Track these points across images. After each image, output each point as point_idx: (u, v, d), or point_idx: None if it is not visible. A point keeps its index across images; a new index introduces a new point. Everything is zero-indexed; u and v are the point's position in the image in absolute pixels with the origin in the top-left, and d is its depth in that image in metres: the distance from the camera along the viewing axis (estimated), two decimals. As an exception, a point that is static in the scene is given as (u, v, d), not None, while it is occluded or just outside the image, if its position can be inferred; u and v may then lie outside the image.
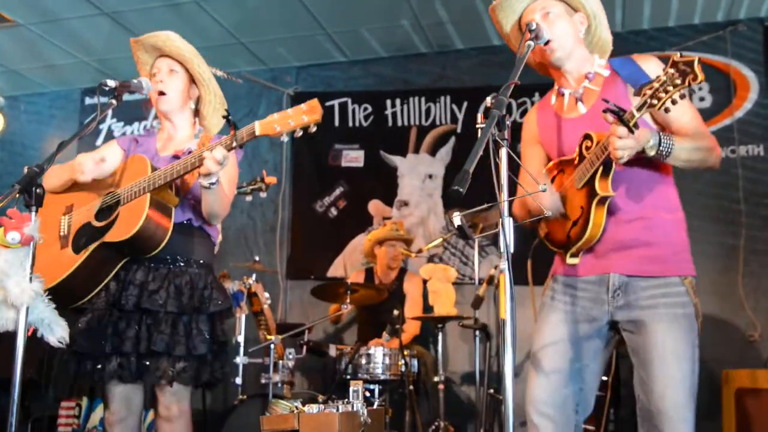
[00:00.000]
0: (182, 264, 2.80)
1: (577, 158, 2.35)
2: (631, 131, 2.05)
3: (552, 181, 2.50)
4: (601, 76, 2.44)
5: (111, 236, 2.63)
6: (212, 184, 2.56)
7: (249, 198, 4.61)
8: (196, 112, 3.02)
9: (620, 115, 2.05)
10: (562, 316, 2.41)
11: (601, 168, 2.22)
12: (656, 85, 1.96)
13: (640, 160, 2.25)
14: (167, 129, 2.99)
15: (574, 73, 2.49)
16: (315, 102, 2.37)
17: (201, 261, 2.86)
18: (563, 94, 2.52)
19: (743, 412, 4.46)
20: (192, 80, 2.96)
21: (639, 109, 2.02)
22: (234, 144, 2.45)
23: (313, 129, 2.39)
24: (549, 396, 2.33)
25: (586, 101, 2.45)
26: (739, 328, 5.16)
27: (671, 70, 1.92)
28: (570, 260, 2.42)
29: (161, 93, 2.87)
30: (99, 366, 2.68)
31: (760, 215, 5.29)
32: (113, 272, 2.73)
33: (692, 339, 2.24)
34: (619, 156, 2.10)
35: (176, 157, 2.82)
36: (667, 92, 1.94)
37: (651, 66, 2.34)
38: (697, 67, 1.88)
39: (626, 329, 2.33)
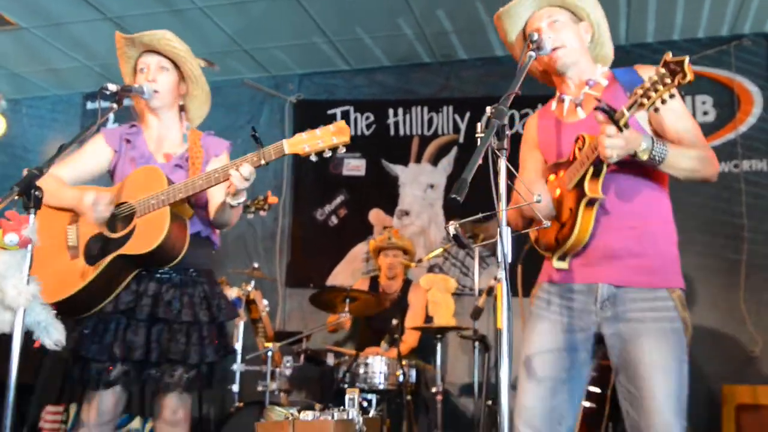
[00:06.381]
0: (194, 274, 2.83)
1: (572, 159, 2.33)
2: (620, 130, 2.03)
3: (546, 182, 2.48)
4: (600, 84, 2.44)
5: (130, 249, 2.63)
6: (240, 203, 2.61)
7: (250, 216, 4.77)
8: (182, 107, 3.02)
9: (611, 114, 2.02)
10: (549, 326, 2.37)
11: (591, 169, 2.19)
12: (647, 84, 1.94)
13: (633, 165, 2.23)
14: (154, 127, 2.96)
15: (576, 80, 2.49)
16: (343, 124, 2.45)
17: (208, 270, 2.91)
18: (563, 100, 2.52)
19: (743, 429, 4.43)
20: (181, 77, 2.96)
21: (629, 107, 2.00)
22: (261, 162, 2.49)
23: (343, 150, 2.47)
24: (536, 406, 2.31)
25: (586, 107, 2.44)
26: (740, 343, 5.11)
27: (662, 70, 1.90)
28: (557, 264, 2.37)
29: (155, 91, 2.86)
30: (104, 371, 2.67)
31: (763, 230, 5.26)
32: (125, 283, 2.71)
33: (680, 354, 2.20)
34: (608, 155, 2.07)
35: (178, 166, 2.85)
36: (656, 91, 1.92)
37: (651, 74, 2.32)
38: (687, 67, 1.84)
39: (612, 343, 2.28)
